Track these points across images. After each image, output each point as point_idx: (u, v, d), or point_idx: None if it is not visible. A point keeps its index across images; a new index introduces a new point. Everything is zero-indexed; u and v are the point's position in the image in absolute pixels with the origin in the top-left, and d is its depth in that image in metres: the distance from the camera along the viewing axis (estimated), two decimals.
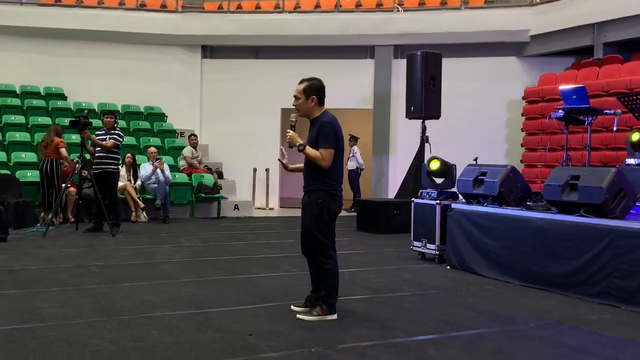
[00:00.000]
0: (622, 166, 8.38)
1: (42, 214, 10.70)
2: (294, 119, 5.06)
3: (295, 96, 4.99)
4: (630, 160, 8.66)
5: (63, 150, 10.79)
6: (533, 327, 4.90)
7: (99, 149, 9.89)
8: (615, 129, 8.17)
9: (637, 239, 5.40)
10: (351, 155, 15.14)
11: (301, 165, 5.15)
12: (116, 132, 10.11)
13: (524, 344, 4.40)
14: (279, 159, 5.29)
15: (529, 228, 6.43)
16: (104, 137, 9.94)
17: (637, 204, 6.16)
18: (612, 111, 7.70)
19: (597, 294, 5.72)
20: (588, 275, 5.79)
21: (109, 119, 10.13)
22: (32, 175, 11.32)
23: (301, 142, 4.89)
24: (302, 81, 5.01)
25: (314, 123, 4.97)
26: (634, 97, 6.93)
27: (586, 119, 7.59)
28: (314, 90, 4.94)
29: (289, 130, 5.00)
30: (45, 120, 13.67)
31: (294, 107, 5.04)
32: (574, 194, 6.01)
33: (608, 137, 11.19)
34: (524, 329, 4.85)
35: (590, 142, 7.80)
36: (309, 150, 4.87)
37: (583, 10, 13.15)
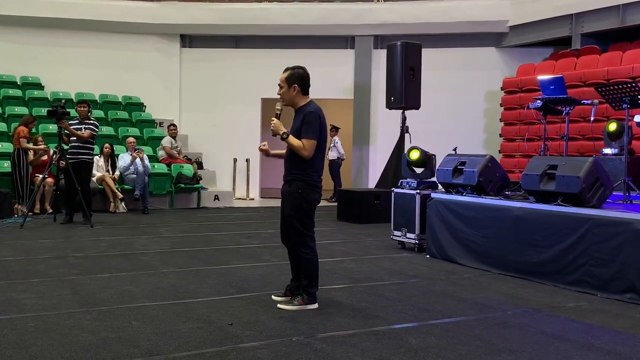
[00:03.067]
0: (599, 156, 8.50)
1: (16, 205, 10.62)
2: (279, 108, 5.06)
3: (279, 85, 5.00)
4: (607, 150, 8.79)
5: (22, 141, 10.81)
6: (511, 314, 4.96)
7: (74, 138, 9.82)
8: (592, 119, 8.25)
9: (613, 228, 5.48)
10: (332, 145, 15.16)
11: (282, 151, 5.14)
12: (91, 122, 10.05)
13: (502, 331, 4.45)
14: (259, 148, 5.26)
15: (507, 217, 6.49)
16: (79, 126, 9.87)
17: (613, 193, 6.25)
18: (589, 101, 7.77)
19: (574, 282, 5.80)
20: (565, 264, 5.87)
21: (82, 109, 10.06)
22: (9, 166, 11.20)
23: (285, 130, 4.90)
24: (286, 70, 5.01)
25: (299, 112, 4.96)
26: (611, 88, 7.00)
27: (564, 109, 7.65)
28: (297, 78, 4.94)
29: (273, 118, 5.00)
30: (22, 110, 13.50)
31: (278, 95, 5.04)
32: (551, 184, 6.08)
33: (585, 127, 11.32)
34: (503, 316, 4.91)
35: (568, 132, 7.88)
36: (292, 139, 4.88)
37: (561, 1, 13.27)
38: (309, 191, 4.92)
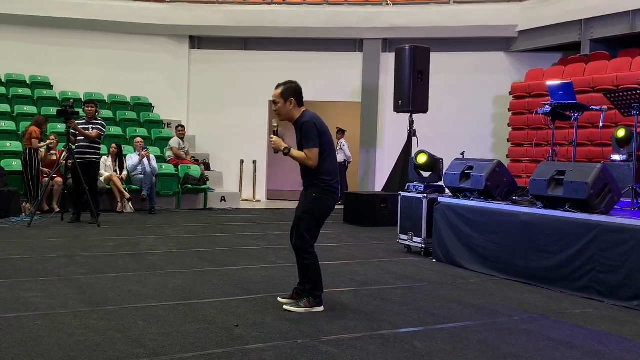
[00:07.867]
0: (607, 162, 8.46)
1: (23, 204, 10.66)
2: (276, 125, 5.13)
3: (273, 101, 5.02)
4: (615, 156, 8.75)
5: (34, 142, 10.82)
6: (517, 320, 4.95)
7: (81, 138, 9.86)
8: (601, 125, 8.23)
9: (621, 234, 5.46)
10: (339, 148, 15.12)
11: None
12: (99, 122, 10.09)
13: (508, 337, 4.44)
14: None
15: (514, 222, 6.47)
16: (86, 126, 9.92)
17: (621, 199, 6.22)
18: (598, 107, 7.75)
19: (581, 288, 5.78)
20: (572, 270, 5.85)
21: (90, 109, 10.10)
22: (17, 165, 11.25)
23: (285, 145, 4.93)
24: (278, 86, 5.04)
25: (296, 125, 5.00)
26: (620, 94, 6.98)
27: (572, 114, 7.63)
28: (291, 92, 4.98)
29: (272, 136, 5.05)
30: (30, 109, 13.56)
31: (274, 112, 5.08)
32: (559, 189, 6.06)
33: (594, 133, 11.27)
34: (509, 322, 4.89)
35: (576, 138, 7.85)
36: (294, 152, 4.93)
37: (570, 7, 13.23)
38: (324, 196, 4.95)
